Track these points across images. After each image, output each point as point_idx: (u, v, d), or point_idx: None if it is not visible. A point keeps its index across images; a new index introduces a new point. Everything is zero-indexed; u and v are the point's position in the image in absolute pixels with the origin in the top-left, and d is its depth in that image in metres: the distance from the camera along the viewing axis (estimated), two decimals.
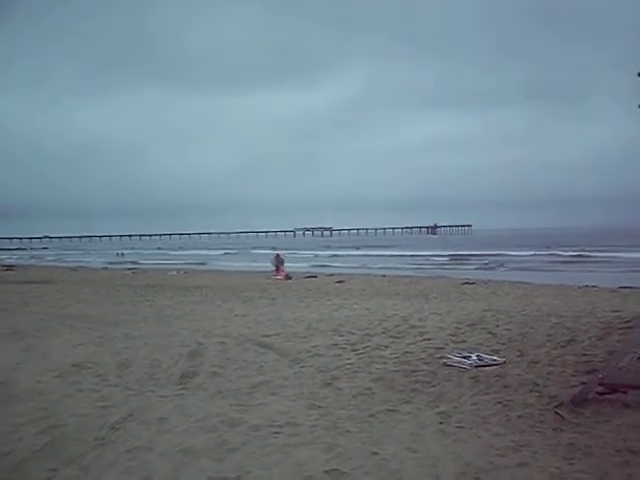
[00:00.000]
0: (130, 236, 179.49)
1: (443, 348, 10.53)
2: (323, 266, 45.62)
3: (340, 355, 10.30)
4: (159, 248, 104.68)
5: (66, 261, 64.49)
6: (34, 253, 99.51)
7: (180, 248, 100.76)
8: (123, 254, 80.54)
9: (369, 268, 43.06)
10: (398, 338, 11.72)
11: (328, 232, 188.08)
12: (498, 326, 12.64)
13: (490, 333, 11.90)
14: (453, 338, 11.53)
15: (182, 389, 8.19)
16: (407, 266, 45.65)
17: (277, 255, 34.69)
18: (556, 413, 6.66)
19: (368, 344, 11.18)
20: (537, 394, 7.46)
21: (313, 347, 11.01)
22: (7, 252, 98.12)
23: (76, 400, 7.64)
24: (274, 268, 32.94)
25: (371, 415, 6.86)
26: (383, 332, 12.44)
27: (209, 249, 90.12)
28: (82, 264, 54.67)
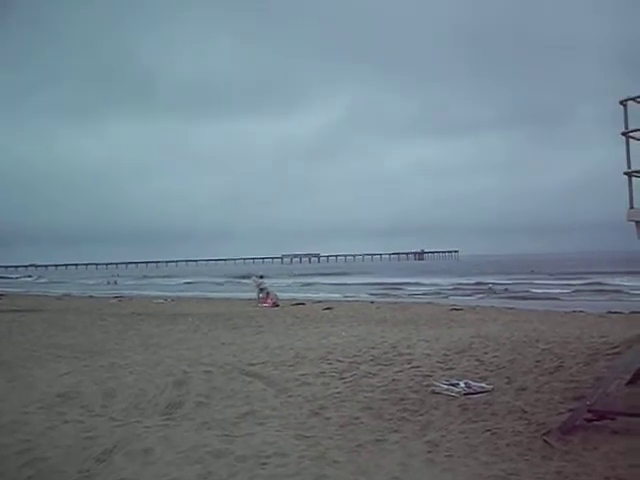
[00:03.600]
0: (117, 264, 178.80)
1: (431, 375, 10.50)
2: (311, 293, 45.52)
3: (328, 384, 10.25)
4: (145, 276, 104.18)
5: (52, 289, 63.91)
6: (20, 281, 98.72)
7: (167, 276, 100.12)
8: (116, 282, 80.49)
9: (357, 295, 43.03)
10: (386, 366, 11.69)
11: (316, 258, 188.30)
12: (486, 353, 12.63)
13: (478, 360, 11.89)
14: (441, 365, 11.51)
15: (168, 419, 8.11)
16: (395, 292, 45.69)
17: (260, 277, 34.54)
18: (544, 441, 6.65)
19: (356, 372, 11.14)
20: (525, 422, 7.45)
21: (301, 376, 10.95)
22: None
23: (61, 431, 7.53)
24: (262, 296, 32.83)
25: (359, 445, 6.81)
26: (371, 360, 12.40)
27: (189, 277, 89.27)
28: (68, 292, 54.19)
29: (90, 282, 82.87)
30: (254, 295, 33.85)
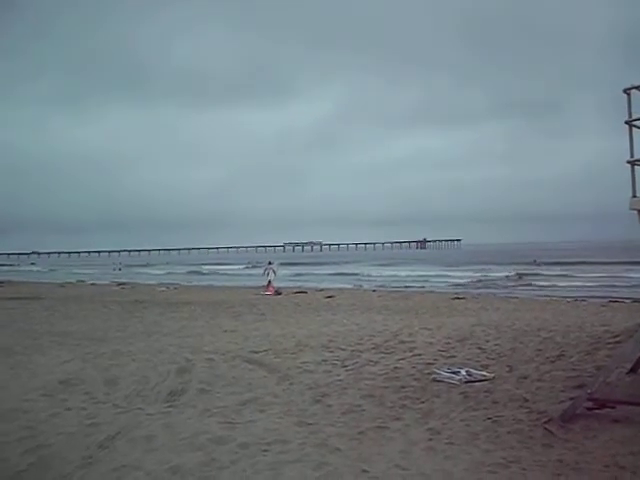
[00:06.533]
0: (119, 252, 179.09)
1: (433, 363, 10.52)
2: (312, 281, 45.54)
3: (330, 371, 10.27)
4: (147, 264, 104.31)
5: (54, 277, 63.97)
6: (22, 269, 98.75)
7: (168, 264, 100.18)
8: (120, 269, 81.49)
9: (359, 283, 43.08)
10: (388, 354, 11.71)
11: (318, 247, 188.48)
12: (488, 341, 12.65)
13: (480, 348, 11.91)
14: (443, 353, 11.53)
15: (170, 406, 8.13)
16: (397, 281, 45.68)
17: (269, 264, 34.73)
18: (545, 429, 6.66)
19: (358, 360, 11.16)
20: (526, 410, 7.46)
21: (302, 363, 10.97)
22: None
23: (63, 418, 7.56)
24: (265, 283, 32.92)
25: (361, 432, 6.83)
26: (373, 348, 12.42)
27: (192, 265, 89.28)
28: (71, 280, 54.26)
29: (91, 270, 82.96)
30: (255, 283, 33.98)
